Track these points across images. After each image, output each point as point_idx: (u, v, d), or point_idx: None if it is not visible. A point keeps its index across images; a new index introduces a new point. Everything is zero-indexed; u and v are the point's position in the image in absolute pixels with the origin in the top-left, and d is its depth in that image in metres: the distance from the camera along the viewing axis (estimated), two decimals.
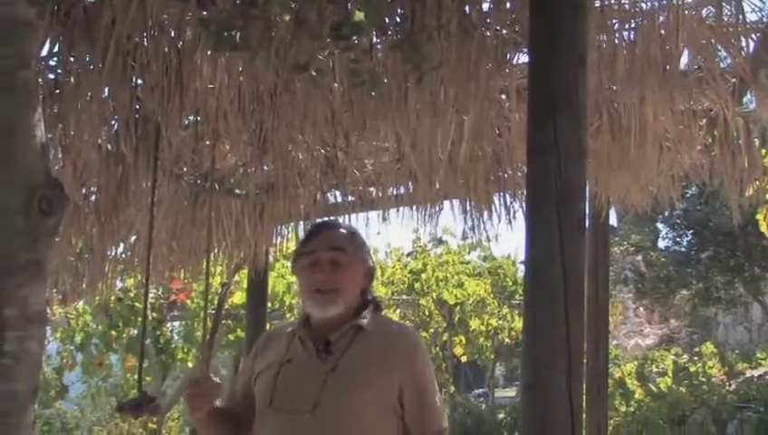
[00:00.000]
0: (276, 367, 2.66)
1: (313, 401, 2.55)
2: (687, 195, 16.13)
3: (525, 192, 2.55)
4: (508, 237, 22.51)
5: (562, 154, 2.34)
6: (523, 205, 4.69)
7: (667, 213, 17.84)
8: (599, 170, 4.32)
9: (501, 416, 18.27)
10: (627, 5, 3.35)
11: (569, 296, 2.24)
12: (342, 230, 2.83)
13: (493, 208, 4.89)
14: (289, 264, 10.72)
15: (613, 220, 16.15)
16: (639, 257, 20.78)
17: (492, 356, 20.55)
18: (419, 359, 2.76)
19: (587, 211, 2.81)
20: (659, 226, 20.46)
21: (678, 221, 19.24)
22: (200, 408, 2.76)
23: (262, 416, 2.67)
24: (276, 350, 2.74)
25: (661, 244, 21.14)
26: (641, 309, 24.51)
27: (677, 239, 20.23)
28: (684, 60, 3.56)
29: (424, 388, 2.73)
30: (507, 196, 4.90)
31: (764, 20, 3.54)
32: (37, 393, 1.68)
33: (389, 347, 2.71)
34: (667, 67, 3.40)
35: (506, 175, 4.67)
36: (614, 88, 3.77)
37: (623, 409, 11.95)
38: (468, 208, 5.02)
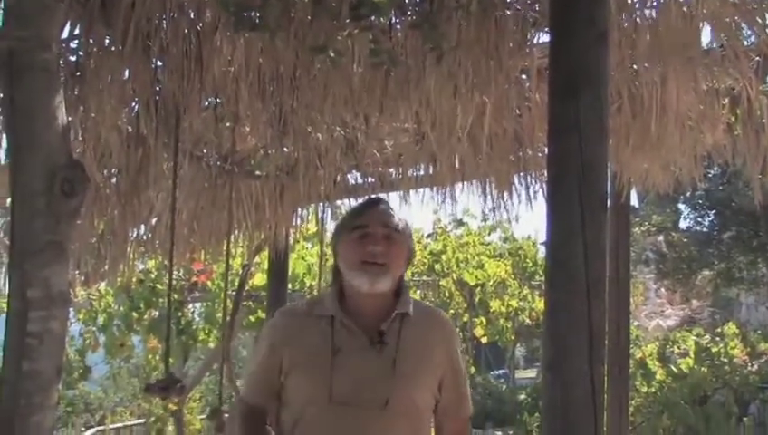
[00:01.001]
0: (327, 358, 2.52)
1: (385, 397, 2.50)
2: (710, 175, 15.98)
3: (546, 172, 2.53)
4: (528, 218, 22.47)
5: (584, 133, 2.32)
6: (544, 185, 4.68)
7: (688, 193, 17.68)
8: (620, 150, 4.29)
9: (521, 397, 18.28)
10: None
11: (590, 276, 2.22)
12: (393, 209, 2.74)
13: (513, 189, 4.88)
14: (310, 245, 10.74)
15: (634, 201, 16.09)
16: (661, 238, 20.65)
17: (512, 337, 20.53)
18: (456, 345, 2.78)
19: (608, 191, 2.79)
20: (681, 206, 20.31)
21: (700, 201, 19.09)
22: None
23: (318, 411, 2.53)
24: (313, 337, 2.59)
25: (683, 224, 21.01)
26: (663, 290, 24.40)
27: (699, 219, 20.10)
28: (706, 38, 3.53)
29: (461, 375, 2.74)
30: (528, 176, 4.88)
31: None
32: (61, 373, 1.69)
33: (433, 335, 2.69)
34: (690, 45, 3.36)
35: (527, 155, 4.64)
36: (635, 67, 3.74)
37: (644, 390, 11.92)
38: (488, 189, 5.00)
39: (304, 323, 2.65)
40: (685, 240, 19.83)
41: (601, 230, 2.30)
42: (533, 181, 4.88)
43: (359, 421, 2.50)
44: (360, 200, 2.98)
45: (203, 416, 13.56)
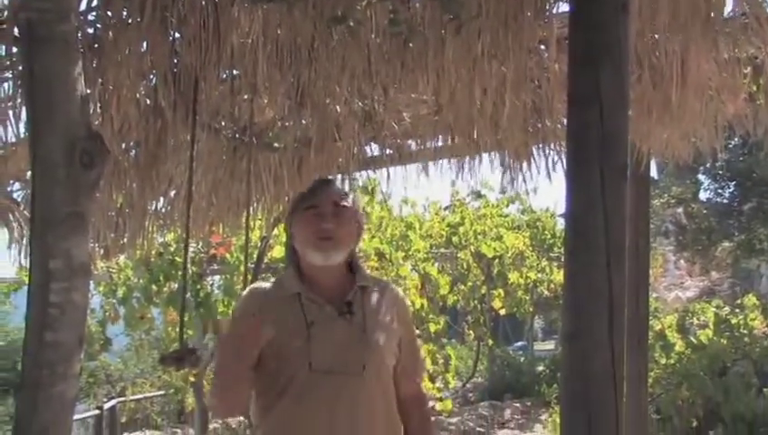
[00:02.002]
0: (302, 330, 2.67)
1: (361, 362, 2.68)
2: (730, 145, 15.86)
3: (566, 143, 2.52)
4: (547, 190, 22.41)
5: (604, 104, 2.30)
6: (563, 156, 4.66)
7: (708, 164, 17.58)
8: (640, 121, 4.26)
9: (540, 368, 18.32)
10: None
11: (610, 246, 2.21)
12: (342, 187, 3.01)
13: (532, 161, 4.86)
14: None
15: (654, 172, 16.00)
16: (680, 210, 20.55)
17: (530, 309, 20.56)
18: (408, 312, 3.06)
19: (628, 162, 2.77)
20: (701, 177, 20.19)
21: (721, 172, 18.96)
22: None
23: (299, 381, 2.66)
24: (285, 314, 2.72)
25: (703, 196, 20.88)
26: (682, 262, 24.34)
27: (719, 191, 19.97)
28: (729, 6, 3.49)
29: (415, 339, 3.06)
30: (547, 147, 4.86)
31: None
32: (83, 344, 1.70)
33: (389, 303, 2.89)
34: (712, 14, 3.33)
35: (546, 126, 4.62)
36: (656, 37, 3.71)
37: (663, 361, 11.91)
38: (507, 161, 4.98)
39: (274, 302, 2.78)
40: (705, 211, 19.73)
41: (622, 201, 2.29)
42: (552, 153, 4.85)
43: (339, 387, 2.66)
44: (313, 182, 3.13)
45: None
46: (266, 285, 2.98)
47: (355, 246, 2.92)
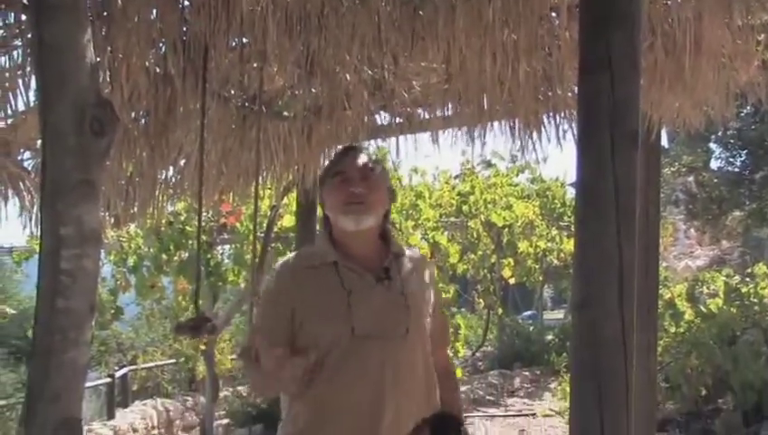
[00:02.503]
0: (342, 298, 2.66)
1: (404, 326, 2.70)
2: (742, 114, 15.75)
3: (576, 111, 2.50)
4: (556, 160, 22.35)
5: (615, 71, 2.29)
6: (573, 125, 4.64)
7: (720, 133, 17.48)
8: (651, 89, 4.23)
9: (549, 337, 18.36)
10: None
11: (620, 213, 2.21)
12: (368, 154, 2.94)
13: (542, 129, 4.83)
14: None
15: (664, 141, 15.93)
16: (691, 178, 20.46)
17: (540, 278, 20.60)
18: (435, 282, 3.05)
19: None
20: (712, 146, 20.05)
21: (732, 141, 18.84)
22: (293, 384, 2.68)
23: (343, 347, 2.65)
24: (321, 284, 2.72)
25: (714, 164, 20.76)
26: (692, 231, 24.29)
27: (731, 159, 19.84)
28: None
29: (442, 305, 3.09)
30: (557, 116, 4.83)
31: None
32: (94, 311, 1.71)
33: (421, 270, 2.92)
34: None
35: (556, 95, 4.59)
36: (669, 3, 3.68)
37: (673, 330, 11.92)
38: (517, 130, 4.96)
39: (307, 273, 2.77)
40: (715, 180, 19.63)
41: (632, 169, 2.28)
42: (563, 121, 4.83)
43: (383, 352, 2.66)
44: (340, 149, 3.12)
45: (233, 356, 13.76)
46: (296, 256, 2.98)
47: (386, 213, 2.90)
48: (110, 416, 12.41)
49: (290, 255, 3.10)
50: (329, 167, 2.94)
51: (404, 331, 2.69)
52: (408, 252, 2.92)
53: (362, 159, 2.85)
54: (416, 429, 2.69)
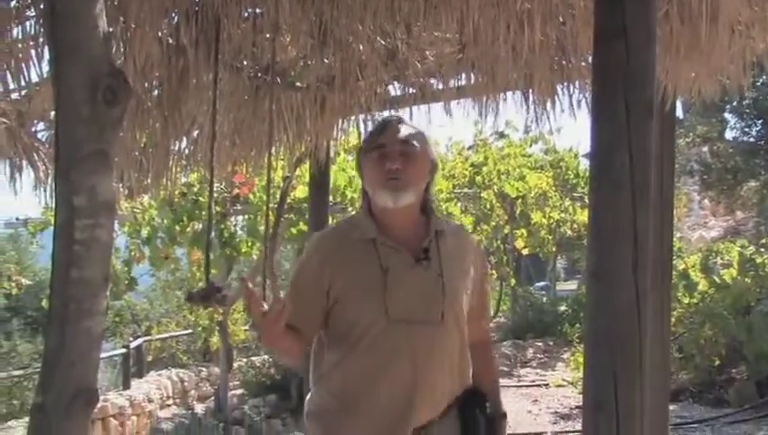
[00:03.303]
0: (379, 278, 2.60)
1: (439, 310, 2.63)
2: (758, 83, 15.62)
3: (591, 80, 2.49)
4: (570, 130, 22.26)
5: (631, 40, 2.27)
6: (587, 95, 4.61)
7: (735, 102, 17.34)
8: (666, 58, 4.20)
9: (562, 308, 18.36)
10: None
11: (635, 183, 2.20)
12: (409, 126, 2.80)
13: (556, 99, 4.81)
14: (351, 157, 10.75)
15: (679, 111, 15.80)
16: (705, 149, 20.33)
17: (553, 249, 20.57)
18: (481, 255, 2.97)
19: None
20: (727, 116, 19.91)
21: (747, 111, 18.69)
22: (271, 330, 2.54)
23: (377, 331, 2.61)
24: (359, 260, 2.66)
25: (729, 134, 20.60)
26: (706, 201, 24.19)
27: (746, 129, 19.67)
28: None
29: (486, 283, 2.96)
30: (571, 86, 4.80)
31: None
32: (108, 282, 1.71)
33: (463, 247, 2.83)
34: None
35: (570, 64, 4.56)
36: None
37: (686, 301, 11.91)
38: (531, 100, 4.93)
39: (347, 246, 2.71)
40: (730, 150, 19.50)
41: (648, 138, 2.27)
42: (577, 91, 4.80)
43: (417, 336, 2.61)
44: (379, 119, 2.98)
45: (246, 327, 13.82)
46: (335, 228, 2.91)
47: (428, 188, 2.80)
48: (126, 386, 12.53)
49: (330, 225, 3.04)
50: (367, 140, 2.84)
51: (439, 316, 2.63)
52: (450, 227, 2.84)
53: (402, 131, 2.73)
54: (447, 408, 2.70)
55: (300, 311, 2.64)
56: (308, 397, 2.84)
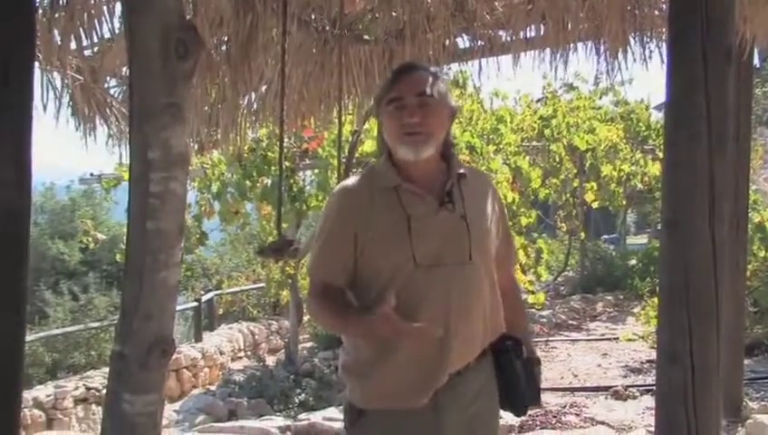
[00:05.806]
0: (403, 225, 2.58)
1: (467, 252, 2.61)
2: None
3: (667, 26, 2.42)
4: (641, 82, 21.80)
5: None
6: (660, 45, 4.51)
7: None
8: (745, 4, 4.08)
9: (632, 262, 18.13)
10: None
11: (712, 131, 2.14)
12: (426, 72, 2.73)
13: (628, 49, 4.71)
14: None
15: (756, 61, 15.38)
16: None
17: (623, 202, 20.28)
18: (501, 201, 2.92)
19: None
20: None
21: None
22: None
23: (405, 276, 2.57)
24: (383, 208, 2.63)
25: None
26: None
27: None
28: None
29: (508, 226, 2.96)
30: (643, 36, 4.70)
31: None
32: (183, 233, 1.74)
33: (484, 190, 2.82)
34: None
35: (643, 12, 4.46)
36: None
37: (761, 254, 11.68)
38: (602, 50, 4.84)
39: (371, 195, 2.68)
40: None
41: (725, 87, 2.21)
42: (649, 40, 4.69)
43: (447, 279, 2.59)
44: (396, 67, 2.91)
45: None
46: (357, 180, 2.83)
47: (447, 135, 2.76)
48: (198, 339, 12.75)
49: (353, 176, 2.99)
50: (383, 91, 2.75)
51: (467, 257, 2.61)
52: (470, 172, 2.81)
53: (419, 81, 2.66)
54: (480, 354, 2.69)
55: (332, 264, 2.67)
56: (340, 351, 2.83)
